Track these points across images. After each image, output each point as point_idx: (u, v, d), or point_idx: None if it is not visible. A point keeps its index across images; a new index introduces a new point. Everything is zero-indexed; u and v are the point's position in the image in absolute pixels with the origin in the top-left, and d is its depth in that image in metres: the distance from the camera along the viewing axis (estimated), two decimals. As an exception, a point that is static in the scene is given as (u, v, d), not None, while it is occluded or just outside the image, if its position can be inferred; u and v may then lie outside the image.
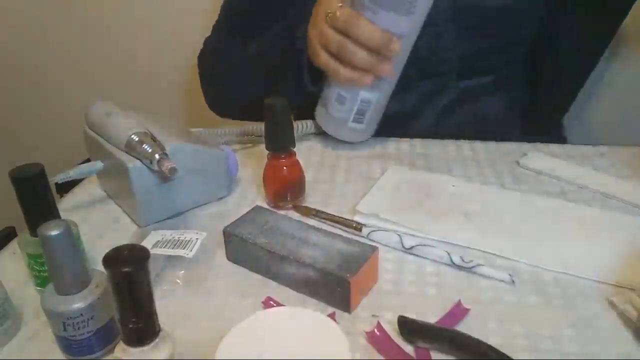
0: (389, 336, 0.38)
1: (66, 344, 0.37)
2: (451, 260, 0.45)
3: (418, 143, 0.69)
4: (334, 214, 0.52)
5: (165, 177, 0.51)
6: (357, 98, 0.61)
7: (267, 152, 0.53)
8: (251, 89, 0.72)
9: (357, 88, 0.60)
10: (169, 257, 0.45)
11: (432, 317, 0.40)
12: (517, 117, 0.79)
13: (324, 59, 0.60)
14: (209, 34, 0.81)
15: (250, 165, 0.64)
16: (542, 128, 0.78)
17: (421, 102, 0.72)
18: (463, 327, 0.39)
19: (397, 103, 0.70)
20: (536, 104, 0.79)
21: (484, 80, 0.73)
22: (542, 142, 0.67)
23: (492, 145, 0.67)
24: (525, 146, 0.67)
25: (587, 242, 0.47)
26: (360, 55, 0.56)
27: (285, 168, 0.53)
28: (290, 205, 0.55)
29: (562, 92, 0.79)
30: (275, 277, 0.45)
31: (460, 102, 0.73)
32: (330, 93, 0.63)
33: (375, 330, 0.38)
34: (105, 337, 0.38)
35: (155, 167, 0.49)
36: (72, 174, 0.54)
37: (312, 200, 0.56)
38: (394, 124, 0.69)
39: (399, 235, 0.48)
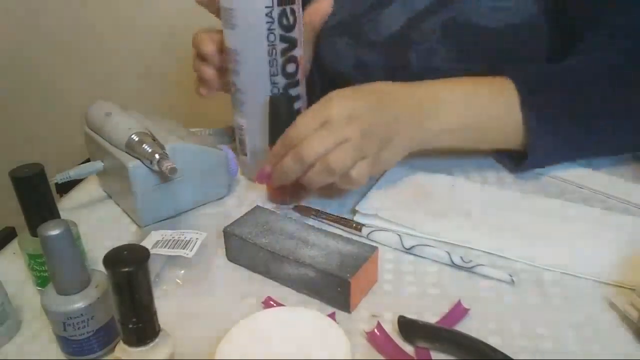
0: (389, 336, 0.38)
1: (66, 344, 0.37)
2: (451, 260, 0.45)
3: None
4: (334, 214, 0.52)
5: (165, 177, 0.51)
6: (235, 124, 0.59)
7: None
8: None
9: (235, 114, 0.58)
10: (169, 257, 0.45)
11: (432, 317, 0.40)
12: None
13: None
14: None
15: (250, 165, 0.64)
16: None
17: None
18: (463, 327, 0.39)
19: None
20: None
21: None
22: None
23: (492, 145, 0.67)
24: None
25: (588, 242, 0.47)
26: (201, 67, 0.60)
27: (285, 168, 0.53)
28: (290, 205, 0.55)
29: None
30: (275, 277, 0.45)
31: None
32: None
33: (375, 330, 0.38)
34: (105, 337, 0.38)
35: (155, 167, 0.49)
36: (72, 174, 0.54)
37: (312, 200, 0.56)
38: None
39: (398, 235, 0.48)
